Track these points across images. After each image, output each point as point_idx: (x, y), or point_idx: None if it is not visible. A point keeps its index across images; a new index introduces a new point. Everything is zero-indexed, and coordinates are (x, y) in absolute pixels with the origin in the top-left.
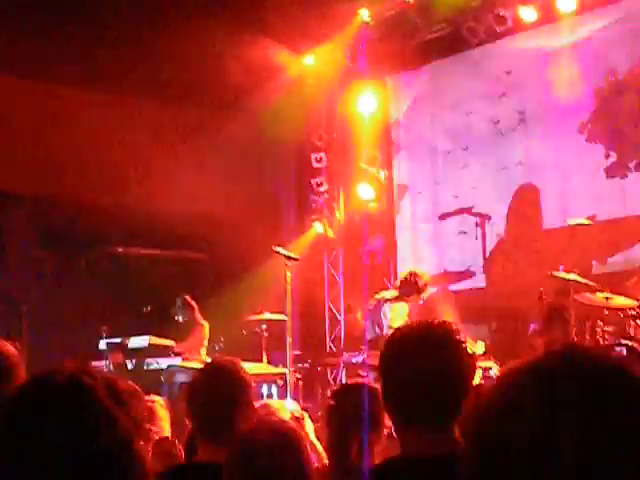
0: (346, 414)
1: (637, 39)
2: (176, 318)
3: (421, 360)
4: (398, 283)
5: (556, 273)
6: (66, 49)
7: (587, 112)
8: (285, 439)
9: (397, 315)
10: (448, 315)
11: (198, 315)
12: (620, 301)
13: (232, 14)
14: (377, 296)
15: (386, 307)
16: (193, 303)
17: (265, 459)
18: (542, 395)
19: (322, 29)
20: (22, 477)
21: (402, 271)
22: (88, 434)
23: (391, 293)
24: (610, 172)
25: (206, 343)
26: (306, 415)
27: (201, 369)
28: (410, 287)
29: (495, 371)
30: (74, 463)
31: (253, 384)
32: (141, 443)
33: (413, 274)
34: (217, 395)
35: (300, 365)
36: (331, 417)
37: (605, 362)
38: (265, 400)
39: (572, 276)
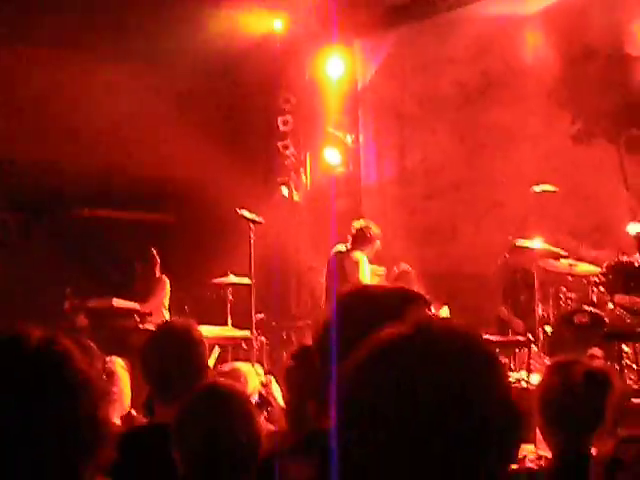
0: (305, 376)
1: (605, 6)
2: (137, 269)
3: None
4: (350, 237)
5: (519, 241)
6: (42, 13)
7: (555, 78)
8: (232, 402)
9: (362, 267)
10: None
11: (158, 271)
12: (584, 268)
13: None
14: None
15: (347, 260)
16: (157, 257)
17: (210, 421)
18: (391, 370)
19: None
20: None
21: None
22: (64, 396)
23: (345, 246)
24: (576, 139)
25: (167, 301)
26: (272, 379)
27: (155, 331)
28: (363, 238)
29: None
30: (46, 425)
31: (218, 348)
32: (105, 405)
33: (364, 226)
34: (170, 357)
35: (265, 328)
36: (290, 379)
37: (458, 337)
38: (233, 364)
39: (536, 243)
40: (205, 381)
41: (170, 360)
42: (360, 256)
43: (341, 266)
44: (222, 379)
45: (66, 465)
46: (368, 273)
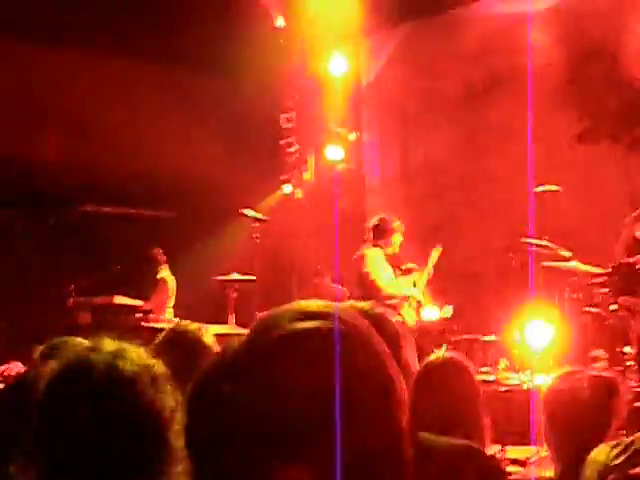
0: None
1: (612, 3)
2: (143, 271)
3: None
4: (370, 232)
5: (526, 239)
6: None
7: (560, 77)
8: None
9: (374, 263)
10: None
11: (165, 271)
12: (587, 269)
13: None
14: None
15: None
16: (162, 257)
17: None
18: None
19: None
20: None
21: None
22: (126, 422)
23: (366, 247)
24: (582, 138)
25: (172, 301)
26: None
27: (165, 334)
28: (378, 232)
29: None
30: (111, 449)
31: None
32: (176, 428)
33: (381, 219)
34: (179, 361)
35: None
36: None
37: None
38: None
39: (542, 242)
40: None
41: (177, 365)
42: (367, 251)
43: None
44: None
45: None
46: (379, 268)
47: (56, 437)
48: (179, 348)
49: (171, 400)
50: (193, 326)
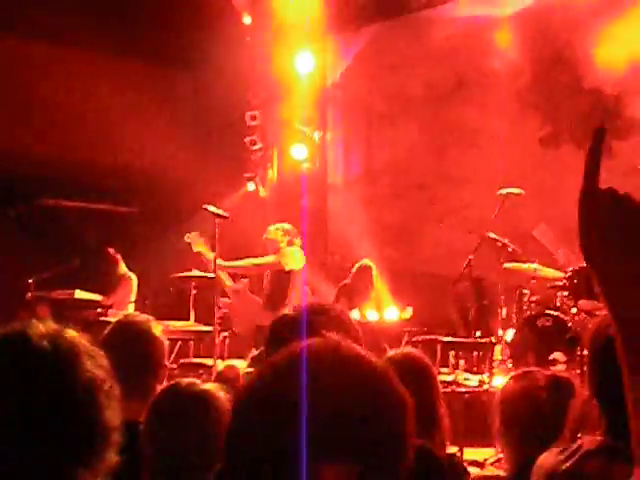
0: None
1: (577, 10)
2: (103, 272)
3: None
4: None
5: (491, 234)
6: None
7: (525, 81)
8: (200, 399)
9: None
10: None
11: (124, 268)
12: (548, 272)
13: None
14: None
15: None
16: (117, 256)
17: (181, 419)
18: None
19: None
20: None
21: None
22: (67, 397)
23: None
24: (544, 142)
25: (134, 297)
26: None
27: (113, 325)
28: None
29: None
30: (44, 425)
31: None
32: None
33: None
34: (127, 353)
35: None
36: None
37: None
38: (229, 361)
39: (505, 241)
40: (162, 379)
41: (126, 356)
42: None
43: None
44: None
45: (62, 466)
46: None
47: None
48: (126, 339)
49: (108, 379)
50: (141, 318)
